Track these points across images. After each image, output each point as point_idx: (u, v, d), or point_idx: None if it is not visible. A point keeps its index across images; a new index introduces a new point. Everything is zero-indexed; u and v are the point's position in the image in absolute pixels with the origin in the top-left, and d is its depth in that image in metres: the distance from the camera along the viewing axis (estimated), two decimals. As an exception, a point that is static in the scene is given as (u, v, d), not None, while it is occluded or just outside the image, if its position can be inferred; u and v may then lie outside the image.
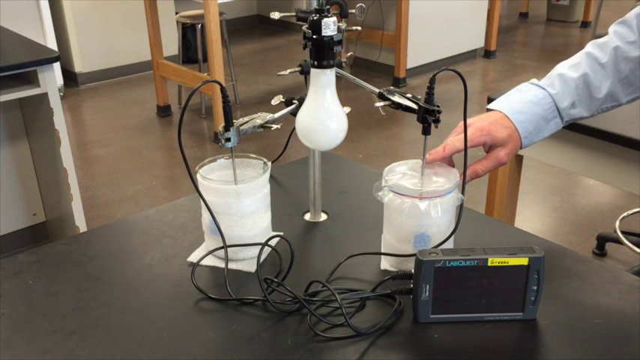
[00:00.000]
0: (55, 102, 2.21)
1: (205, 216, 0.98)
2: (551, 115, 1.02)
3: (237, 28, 6.34)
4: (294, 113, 1.01)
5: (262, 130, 1.01)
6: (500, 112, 1.01)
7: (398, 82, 4.70)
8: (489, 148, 1.00)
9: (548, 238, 1.06)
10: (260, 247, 0.94)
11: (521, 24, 6.66)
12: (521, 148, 1.01)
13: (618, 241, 2.58)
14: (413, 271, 0.83)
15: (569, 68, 1.04)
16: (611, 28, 1.06)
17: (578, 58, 1.05)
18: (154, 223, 1.11)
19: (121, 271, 0.98)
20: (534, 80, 1.05)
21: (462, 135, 0.96)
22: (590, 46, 1.05)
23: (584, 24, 6.35)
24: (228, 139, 0.94)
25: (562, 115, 1.02)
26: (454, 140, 0.97)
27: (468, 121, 0.98)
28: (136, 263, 0.99)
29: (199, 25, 4.13)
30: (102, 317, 0.87)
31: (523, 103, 1.01)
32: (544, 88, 1.03)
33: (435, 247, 0.92)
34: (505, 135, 0.99)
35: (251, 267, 0.97)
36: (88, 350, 0.80)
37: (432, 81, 0.88)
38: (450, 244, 0.96)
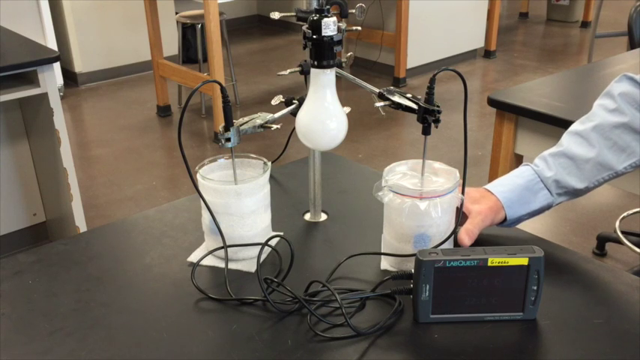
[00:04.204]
0: (55, 102, 2.21)
1: (205, 216, 0.98)
2: (536, 187, 1.02)
3: (237, 28, 6.35)
4: (294, 113, 1.01)
5: (262, 130, 1.01)
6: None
7: (398, 82, 4.70)
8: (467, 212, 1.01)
9: (548, 238, 1.06)
10: (260, 247, 0.94)
11: (521, 24, 6.66)
12: (506, 220, 1.01)
13: (618, 241, 2.58)
14: (413, 271, 0.83)
15: (550, 149, 1.06)
16: (595, 102, 1.08)
17: (561, 139, 1.07)
18: (153, 223, 1.11)
19: (121, 271, 0.98)
20: (526, 164, 1.07)
21: (475, 219, 0.98)
22: (573, 125, 1.07)
23: (584, 24, 6.35)
24: (228, 139, 0.94)
25: (548, 186, 1.02)
26: (471, 228, 0.98)
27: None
28: (136, 263, 0.99)
29: (199, 25, 4.13)
30: (102, 317, 0.87)
31: (505, 178, 1.04)
32: (529, 165, 1.05)
33: (435, 247, 0.92)
34: (478, 194, 1.02)
35: (251, 267, 0.97)
36: (87, 350, 0.80)
37: (432, 81, 0.88)
38: (450, 244, 0.96)
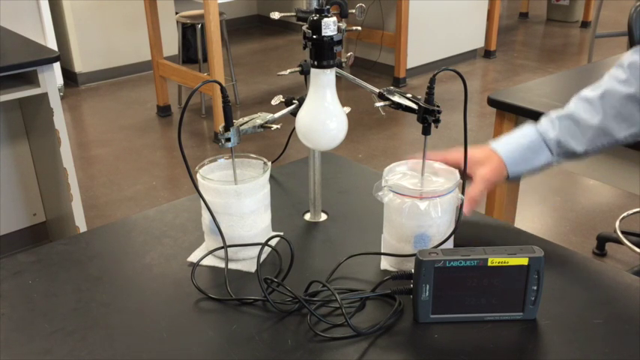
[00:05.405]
0: (55, 102, 2.21)
1: (205, 216, 0.98)
2: (538, 147, 1.06)
3: (237, 28, 6.34)
4: (294, 113, 1.01)
5: (262, 130, 1.01)
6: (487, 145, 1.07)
7: (398, 82, 4.70)
8: (470, 171, 1.03)
9: (548, 238, 1.07)
10: (260, 247, 0.94)
11: (521, 24, 6.65)
12: (509, 177, 1.05)
13: (618, 241, 2.58)
14: (413, 271, 0.83)
15: (557, 110, 1.08)
16: (607, 72, 1.10)
17: (570, 100, 1.10)
18: (154, 223, 1.11)
19: (121, 271, 0.98)
20: (531, 123, 1.10)
21: (479, 186, 1.00)
22: (584, 89, 1.10)
23: (584, 24, 6.35)
24: (228, 139, 0.94)
25: (550, 146, 1.05)
26: (473, 196, 1.00)
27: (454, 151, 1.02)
28: (136, 263, 0.99)
29: (199, 25, 4.13)
30: (102, 317, 0.87)
31: (509, 137, 1.08)
32: (533, 125, 1.08)
33: (435, 247, 0.92)
34: (482, 155, 1.04)
35: (251, 267, 0.97)
36: (88, 350, 0.80)
37: (432, 81, 0.88)
38: (450, 244, 0.96)
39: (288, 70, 0.99)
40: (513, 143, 1.06)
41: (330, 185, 1.22)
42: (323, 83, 0.91)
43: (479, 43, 5.30)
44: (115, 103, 4.52)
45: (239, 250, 0.98)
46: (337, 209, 1.15)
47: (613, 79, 1.07)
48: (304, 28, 0.90)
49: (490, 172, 1.02)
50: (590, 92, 1.08)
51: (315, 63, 0.90)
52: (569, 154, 1.07)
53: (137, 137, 3.94)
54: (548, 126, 1.06)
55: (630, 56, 1.07)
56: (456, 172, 0.95)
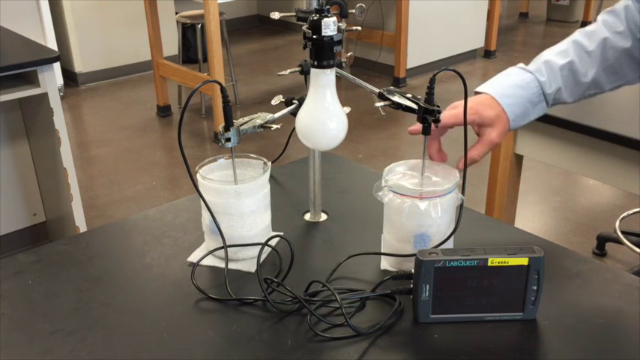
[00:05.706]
0: (55, 102, 2.21)
1: (205, 216, 0.98)
2: (537, 100, 1.04)
3: (237, 28, 6.34)
4: (294, 113, 1.01)
5: (262, 130, 1.01)
6: (488, 94, 1.03)
7: (398, 82, 4.70)
8: (478, 129, 1.02)
9: (548, 238, 1.07)
10: (260, 247, 0.94)
11: (521, 24, 6.66)
12: (509, 131, 1.04)
13: (618, 241, 2.58)
14: (413, 271, 0.83)
15: (556, 55, 1.06)
16: (600, 17, 1.08)
17: (565, 45, 1.07)
18: (154, 223, 1.11)
19: (121, 271, 0.98)
20: (522, 65, 1.07)
21: (455, 111, 0.98)
22: (578, 34, 1.08)
23: (584, 24, 6.33)
24: (228, 139, 0.94)
25: (547, 99, 1.05)
26: (447, 116, 0.97)
27: (456, 103, 1.01)
28: (136, 263, 0.99)
29: (199, 25, 4.13)
30: (102, 317, 0.87)
31: (511, 86, 1.03)
32: (532, 73, 1.05)
33: (435, 247, 0.92)
34: (493, 115, 1.00)
35: (251, 267, 0.97)
36: (88, 350, 0.80)
37: (432, 81, 0.88)
38: (450, 244, 0.96)
39: (288, 70, 0.99)
40: (515, 96, 1.02)
41: (330, 185, 1.22)
42: (323, 83, 0.91)
43: (479, 43, 5.30)
44: (115, 103, 4.52)
45: (239, 250, 0.98)
46: (337, 209, 1.15)
47: (609, 29, 1.05)
48: (304, 28, 0.90)
49: (498, 136, 1.01)
50: (586, 41, 1.06)
51: (315, 63, 0.90)
52: (558, 104, 1.07)
53: (137, 137, 3.94)
54: (550, 77, 1.04)
55: (625, 1, 1.05)
56: (456, 172, 0.95)
